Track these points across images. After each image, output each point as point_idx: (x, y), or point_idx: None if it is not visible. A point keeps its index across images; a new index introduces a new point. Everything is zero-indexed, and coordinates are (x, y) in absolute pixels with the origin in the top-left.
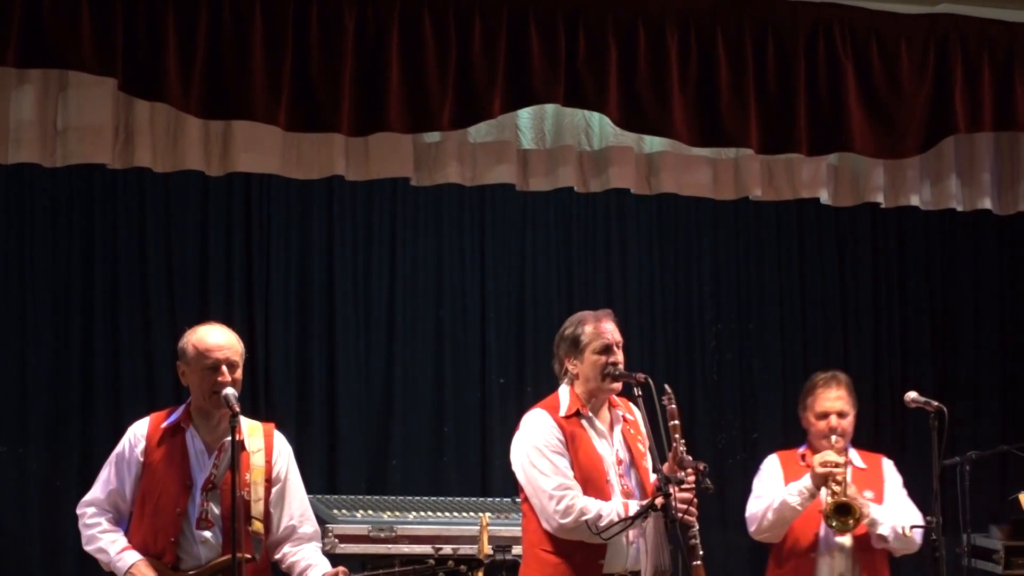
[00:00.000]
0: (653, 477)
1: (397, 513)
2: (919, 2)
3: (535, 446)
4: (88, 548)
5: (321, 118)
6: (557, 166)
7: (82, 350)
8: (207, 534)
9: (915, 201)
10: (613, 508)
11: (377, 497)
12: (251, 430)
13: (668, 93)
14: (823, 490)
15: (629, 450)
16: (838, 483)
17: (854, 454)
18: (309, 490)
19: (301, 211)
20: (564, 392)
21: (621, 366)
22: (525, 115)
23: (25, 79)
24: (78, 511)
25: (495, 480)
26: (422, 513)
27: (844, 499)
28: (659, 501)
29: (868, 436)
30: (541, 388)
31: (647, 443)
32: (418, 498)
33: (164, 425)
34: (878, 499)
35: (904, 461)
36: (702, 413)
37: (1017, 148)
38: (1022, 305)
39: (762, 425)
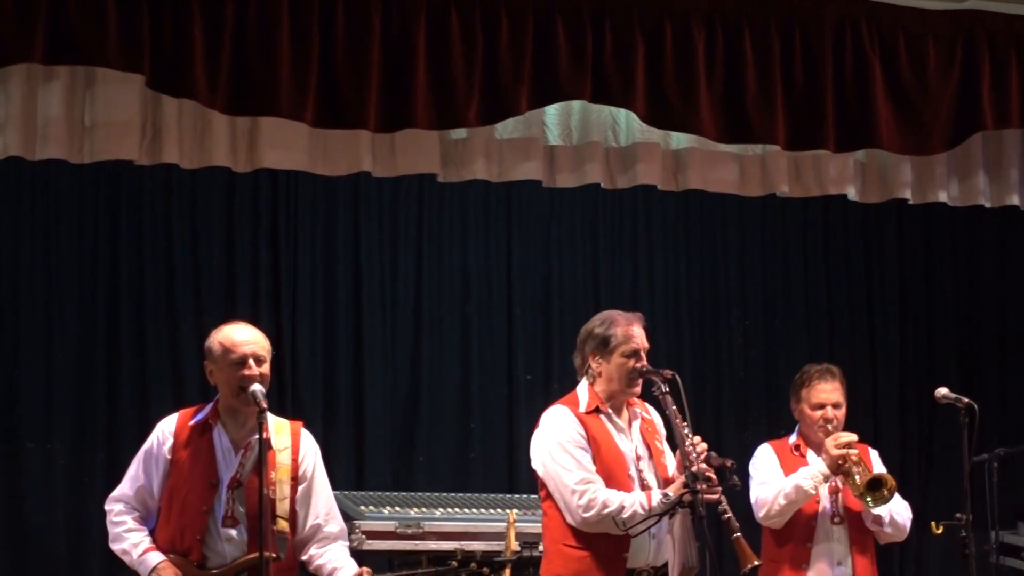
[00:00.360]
0: (672, 472)
1: (424, 509)
2: None
3: (557, 442)
4: (113, 547)
5: (348, 114)
6: (584, 162)
7: (108, 346)
8: (232, 532)
9: (943, 197)
10: (636, 500)
11: (404, 493)
12: (278, 428)
13: (695, 89)
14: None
15: (647, 446)
16: (855, 462)
17: None
18: (336, 486)
19: (327, 208)
20: (583, 389)
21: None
22: (552, 111)
23: (52, 75)
24: (106, 507)
25: (522, 477)
26: (449, 510)
27: (874, 474)
28: (686, 498)
29: (895, 432)
30: (567, 384)
31: (663, 439)
32: (445, 494)
33: (192, 423)
34: None
35: (931, 458)
36: (728, 410)
37: None
38: None
39: (788, 422)
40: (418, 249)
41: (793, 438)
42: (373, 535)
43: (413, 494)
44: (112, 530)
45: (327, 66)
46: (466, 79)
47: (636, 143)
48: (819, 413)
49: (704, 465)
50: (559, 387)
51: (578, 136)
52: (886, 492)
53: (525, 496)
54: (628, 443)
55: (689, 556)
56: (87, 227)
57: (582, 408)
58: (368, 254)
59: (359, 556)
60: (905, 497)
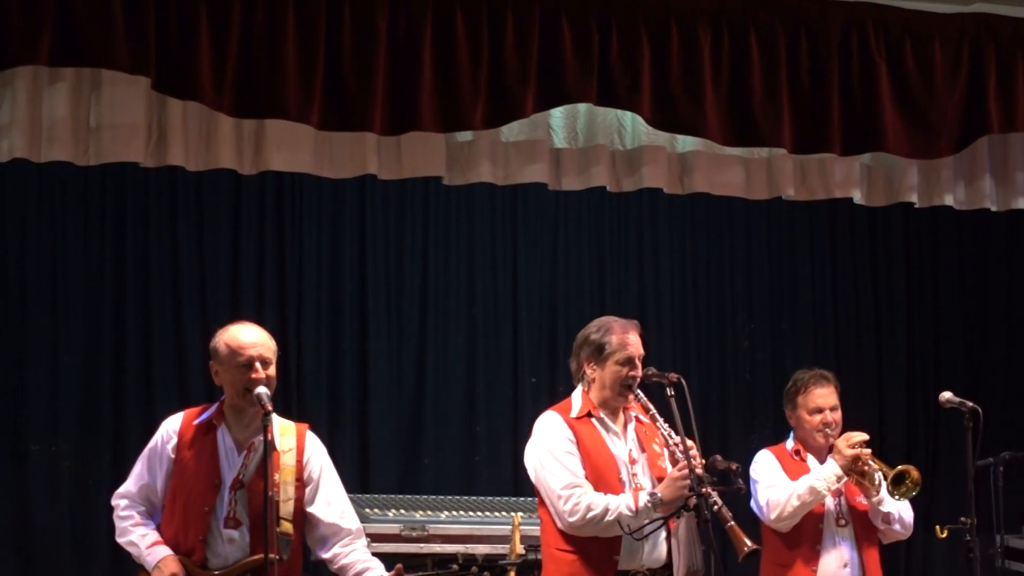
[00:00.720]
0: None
1: (429, 512)
2: (953, 1)
3: (546, 448)
4: (120, 540)
5: (354, 117)
6: (589, 165)
7: (114, 349)
8: (234, 533)
9: (949, 201)
10: (621, 502)
11: (409, 496)
12: (283, 430)
13: (701, 92)
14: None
15: (643, 449)
16: (872, 460)
17: None
18: None
19: (333, 210)
20: (577, 395)
21: (639, 380)
22: (557, 114)
23: (58, 77)
24: (112, 502)
25: (527, 480)
26: (454, 512)
27: (899, 468)
28: (691, 501)
29: (900, 436)
30: (573, 388)
31: (663, 442)
32: (450, 497)
33: (197, 422)
34: None
35: (937, 462)
36: (734, 413)
37: None
38: None
39: None
40: (424, 252)
41: (791, 444)
42: (378, 538)
43: (418, 497)
44: (119, 524)
45: (333, 68)
46: (472, 82)
47: (642, 146)
48: (818, 418)
49: (697, 456)
50: (564, 390)
51: (584, 139)
52: (910, 484)
53: (530, 499)
54: (621, 446)
55: (694, 559)
56: (93, 229)
57: (574, 413)
58: (373, 257)
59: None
60: (910, 500)
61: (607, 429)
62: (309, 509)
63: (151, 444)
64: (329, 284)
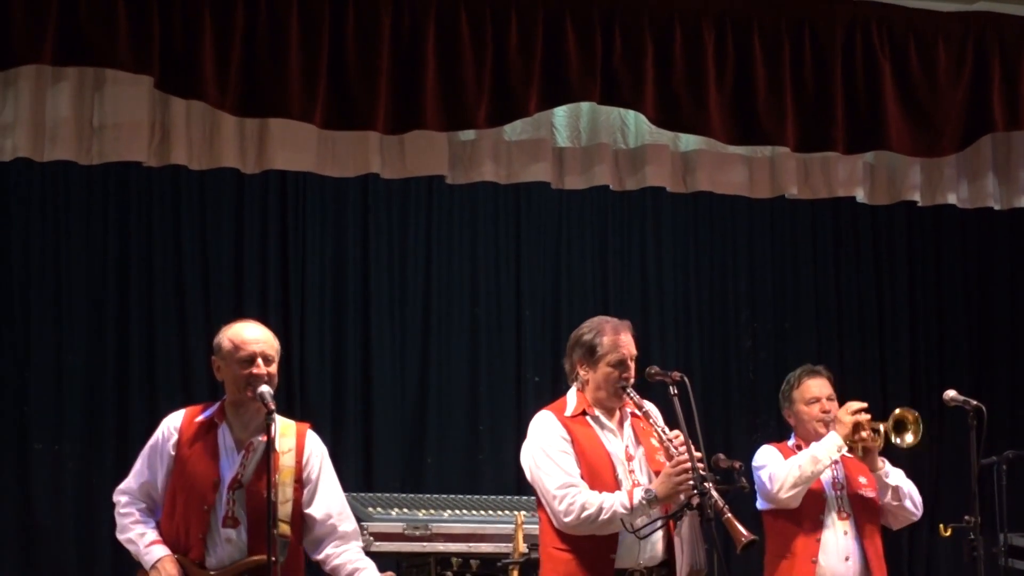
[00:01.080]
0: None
1: (432, 511)
2: (957, 0)
3: (540, 448)
4: (120, 536)
5: (357, 116)
6: (592, 164)
7: (117, 347)
8: (232, 533)
9: (952, 200)
10: (616, 499)
11: (412, 495)
12: (284, 429)
13: (704, 91)
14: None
15: (640, 445)
16: (872, 422)
17: None
18: (344, 488)
19: (336, 209)
20: (572, 395)
21: (632, 381)
22: (561, 113)
23: (61, 77)
24: (114, 498)
25: None
26: (457, 511)
27: (896, 414)
28: (694, 500)
29: None
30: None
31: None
32: (453, 496)
33: (198, 420)
34: (871, 484)
35: (941, 460)
36: (737, 412)
37: None
38: None
39: None
40: (427, 251)
41: (792, 441)
42: (381, 537)
43: (421, 496)
44: (119, 521)
45: (336, 67)
46: (475, 81)
47: (645, 145)
48: (816, 407)
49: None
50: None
51: (587, 138)
52: (912, 426)
53: (533, 498)
54: (617, 444)
55: (697, 558)
56: (96, 228)
57: (568, 412)
58: (377, 255)
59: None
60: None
61: (602, 427)
62: (306, 511)
63: (152, 441)
64: (332, 283)
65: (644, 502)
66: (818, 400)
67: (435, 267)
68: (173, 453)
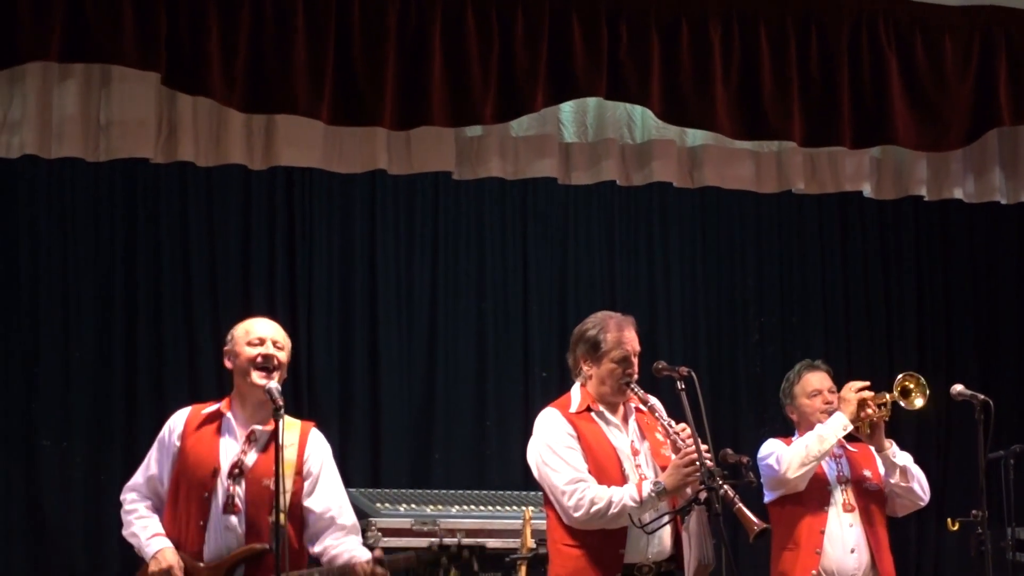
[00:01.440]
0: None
1: (440, 507)
2: None
3: (546, 444)
4: (124, 533)
5: (363, 112)
6: (599, 160)
7: (125, 345)
8: (233, 519)
9: (958, 194)
10: (625, 493)
11: (420, 491)
12: (288, 426)
13: (711, 86)
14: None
15: (645, 439)
16: (878, 398)
17: None
18: (352, 484)
19: (343, 205)
20: (576, 390)
21: (636, 377)
22: (567, 108)
23: (68, 74)
24: (121, 497)
25: None
26: (465, 507)
27: (900, 381)
28: (702, 495)
29: (911, 428)
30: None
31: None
32: (461, 492)
33: (204, 412)
34: (875, 477)
35: (948, 454)
36: (745, 407)
37: None
38: None
39: None
40: (434, 246)
41: (795, 437)
42: (389, 532)
43: (429, 491)
44: (124, 518)
45: (343, 63)
46: (482, 76)
47: (652, 140)
48: (818, 400)
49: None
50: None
51: (594, 133)
52: (917, 388)
53: (541, 493)
54: (623, 439)
55: (705, 553)
56: (103, 225)
57: (573, 408)
58: (384, 251)
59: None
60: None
61: (607, 422)
62: (306, 503)
63: (159, 436)
64: (339, 279)
65: (653, 495)
66: (820, 392)
67: (442, 263)
68: (178, 444)
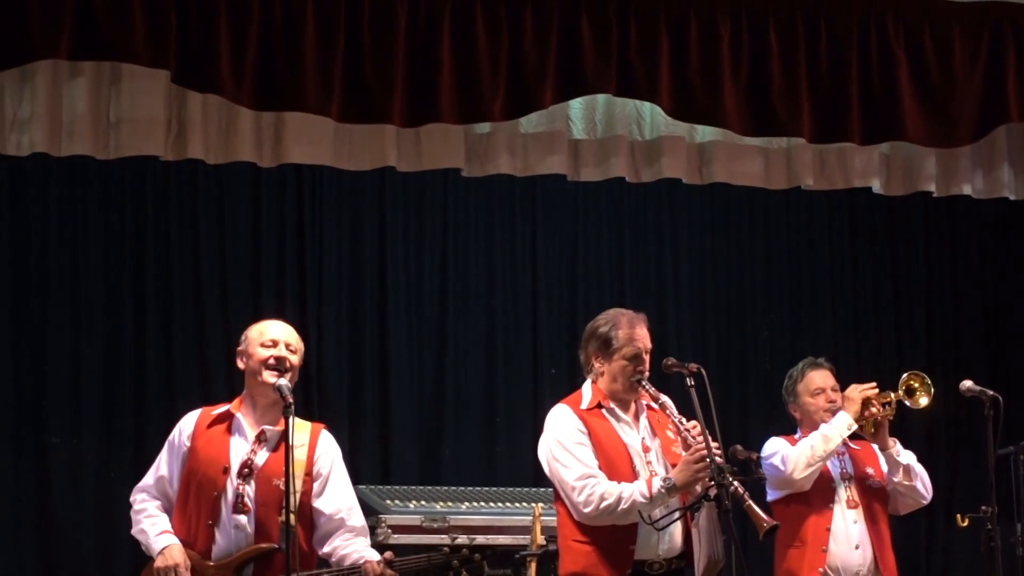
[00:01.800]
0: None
1: (450, 503)
2: None
3: (557, 440)
4: (132, 531)
5: (373, 109)
6: (608, 156)
7: (135, 342)
8: (242, 518)
9: (967, 190)
10: (635, 489)
11: (430, 488)
12: (299, 426)
13: (720, 82)
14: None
15: (656, 436)
16: (882, 397)
17: None
18: (362, 481)
19: (353, 202)
20: (587, 387)
21: (647, 374)
22: (576, 105)
23: (78, 71)
24: (131, 498)
25: None
26: (474, 503)
27: (904, 380)
28: (712, 491)
29: (921, 425)
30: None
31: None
32: (470, 488)
33: (215, 413)
34: (878, 474)
35: (957, 450)
36: (754, 403)
37: None
38: None
39: None
40: (443, 243)
41: (798, 435)
42: (399, 529)
43: (439, 488)
44: (133, 517)
45: (352, 61)
46: (491, 73)
47: (661, 136)
48: (821, 398)
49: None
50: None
51: (603, 130)
52: (922, 386)
53: (550, 490)
54: (633, 436)
55: (715, 549)
56: (113, 222)
57: (584, 405)
58: (393, 248)
59: (385, 550)
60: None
61: (618, 419)
62: (315, 504)
63: (169, 438)
64: (349, 276)
65: (663, 491)
66: (823, 390)
67: (451, 260)
68: (188, 444)
